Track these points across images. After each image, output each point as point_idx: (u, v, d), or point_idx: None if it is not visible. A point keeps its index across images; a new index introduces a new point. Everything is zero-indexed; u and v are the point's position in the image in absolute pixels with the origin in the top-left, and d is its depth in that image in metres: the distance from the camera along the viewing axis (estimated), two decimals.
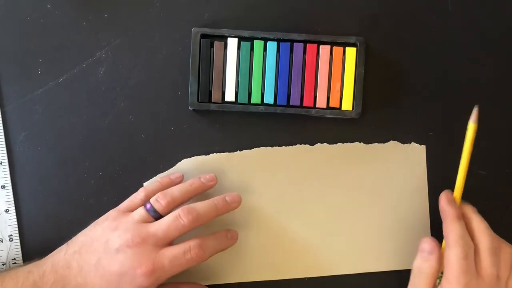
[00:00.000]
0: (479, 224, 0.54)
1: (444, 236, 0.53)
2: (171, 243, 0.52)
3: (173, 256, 0.51)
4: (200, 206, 0.53)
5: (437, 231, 0.57)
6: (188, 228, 0.52)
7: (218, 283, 0.59)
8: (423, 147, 0.60)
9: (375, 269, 0.60)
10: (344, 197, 0.59)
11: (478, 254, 0.52)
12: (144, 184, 0.58)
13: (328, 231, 0.59)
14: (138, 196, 0.55)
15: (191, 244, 0.52)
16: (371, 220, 0.59)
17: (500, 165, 0.60)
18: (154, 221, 0.52)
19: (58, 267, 0.51)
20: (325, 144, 0.59)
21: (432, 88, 0.60)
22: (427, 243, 0.54)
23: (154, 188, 0.55)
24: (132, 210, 0.54)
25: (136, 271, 0.50)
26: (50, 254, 0.53)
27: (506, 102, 0.60)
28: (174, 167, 0.58)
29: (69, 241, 0.53)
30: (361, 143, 0.59)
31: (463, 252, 0.51)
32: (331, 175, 0.59)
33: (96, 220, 0.54)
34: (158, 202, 0.53)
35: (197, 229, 0.53)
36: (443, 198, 0.55)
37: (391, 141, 0.60)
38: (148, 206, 0.53)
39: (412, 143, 0.60)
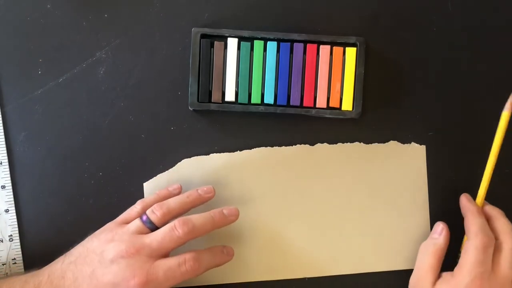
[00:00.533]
0: (505, 226, 0.55)
1: (466, 231, 0.55)
2: (166, 255, 0.52)
3: (168, 268, 0.50)
4: (197, 218, 0.52)
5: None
6: (183, 240, 0.51)
7: (219, 283, 0.59)
8: (423, 147, 0.60)
9: (375, 269, 0.59)
10: (344, 197, 0.59)
11: (499, 253, 0.53)
12: (144, 184, 0.58)
13: (328, 231, 0.59)
14: (134, 208, 0.55)
15: (187, 257, 0.51)
16: (371, 220, 0.59)
17: (500, 165, 0.60)
18: (150, 232, 0.52)
19: (53, 277, 0.51)
20: (325, 144, 0.59)
21: (432, 88, 0.60)
22: (438, 225, 0.57)
23: (151, 200, 0.55)
24: (128, 222, 0.54)
25: (130, 282, 0.49)
26: (48, 265, 0.53)
27: (506, 102, 0.60)
28: (174, 167, 0.58)
29: (67, 252, 0.53)
30: (361, 143, 0.59)
31: (481, 244, 0.52)
32: (331, 175, 0.59)
33: (94, 232, 0.54)
34: (154, 213, 0.53)
35: (193, 242, 0.53)
36: (464, 197, 0.58)
37: (391, 141, 0.60)
38: (144, 217, 0.53)
39: (412, 143, 0.60)
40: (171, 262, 0.51)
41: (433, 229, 0.58)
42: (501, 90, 0.60)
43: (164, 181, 0.58)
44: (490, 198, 0.60)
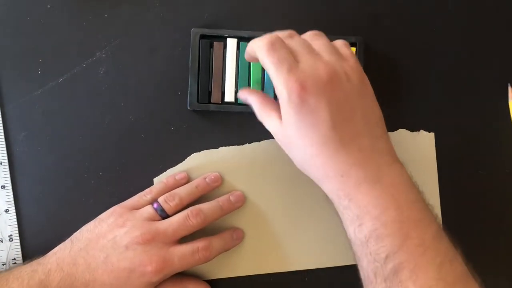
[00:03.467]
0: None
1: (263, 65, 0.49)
2: (178, 241, 0.53)
3: (182, 255, 0.52)
4: (207, 208, 0.55)
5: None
6: (195, 229, 0.54)
7: (220, 278, 0.59)
8: (432, 134, 0.59)
9: None
10: None
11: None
12: (154, 179, 0.58)
13: (335, 220, 0.58)
14: (144, 197, 0.56)
15: (199, 245, 0.53)
16: None
17: (500, 165, 0.60)
18: (161, 220, 0.54)
19: (63, 265, 0.51)
20: None
21: (432, 88, 0.60)
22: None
23: (160, 189, 0.56)
24: (137, 208, 0.55)
25: (147, 268, 0.51)
26: (53, 252, 0.53)
27: (506, 102, 0.60)
28: (183, 161, 0.58)
29: (72, 238, 0.54)
30: None
31: (264, 46, 0.47)
32: None
33: (99, 216, 0.55)
34: (167, 203, 0.54)
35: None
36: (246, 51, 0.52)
37: (400, 129, 0.59)
38: (155, 205, 0.54)
39: (421, 130, 0.59)
40: (185, 249, 0.53)
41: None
42: (502, 89, 0.60)
43: None
44: (490, 198, 0.60)
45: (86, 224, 0.55)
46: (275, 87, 0.48)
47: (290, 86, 0.46)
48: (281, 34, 0.50)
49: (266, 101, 0.52)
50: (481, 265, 0.60)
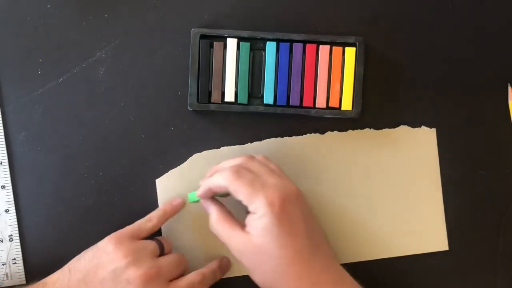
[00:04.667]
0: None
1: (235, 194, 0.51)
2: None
3: None
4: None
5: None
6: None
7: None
8: (433, 130, 0.59)
9: (388, 254, 0.59)
10: (356, 184, 0.59)
11: None
12: (157, 180, 0.58)
13: (339, 218, 0.59)
14: (144, 226, 0.55)
15: (195, 280, 0.53)
16: (383, 205, 0.59)
17: (500, 165, 0.60)
18: (160, 256, 0.54)
19: None
20: (335, 132, 0.59)
21: (432, 88, 0.60)
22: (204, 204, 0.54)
23: (160, 217, 0.56)
24: (139, 236, 0.54)
25: None
26: (51, 280, 0.52)
27: (506, 102, 0.60)
28: (185, 162, 0.58)
29: (70, 266, 0.53)
30: (371, 129, 0.59)
31: (230, 175, 0.51)
32: (342, 163, 0.59)
33: (97, 244, 0.53)
34: (166, 243, 0.55)
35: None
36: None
37: (401, 126, 0.59)
38: (156, 242, 0.54)
39: (423, 126, 0.59)
40: (183, 285, 0.52)
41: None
42: (502, 89, 0.60)
43: (176, 177, 0.58)
44: (490, 198, 0.60)
45: (83, 252, 0.53)
46: (248, 205, 0.50)
47: (270, 198, 0.49)
48: (239, 160, 0.53)
49: (227, 213, 0.53)
50: (481, 264, 0.60)
